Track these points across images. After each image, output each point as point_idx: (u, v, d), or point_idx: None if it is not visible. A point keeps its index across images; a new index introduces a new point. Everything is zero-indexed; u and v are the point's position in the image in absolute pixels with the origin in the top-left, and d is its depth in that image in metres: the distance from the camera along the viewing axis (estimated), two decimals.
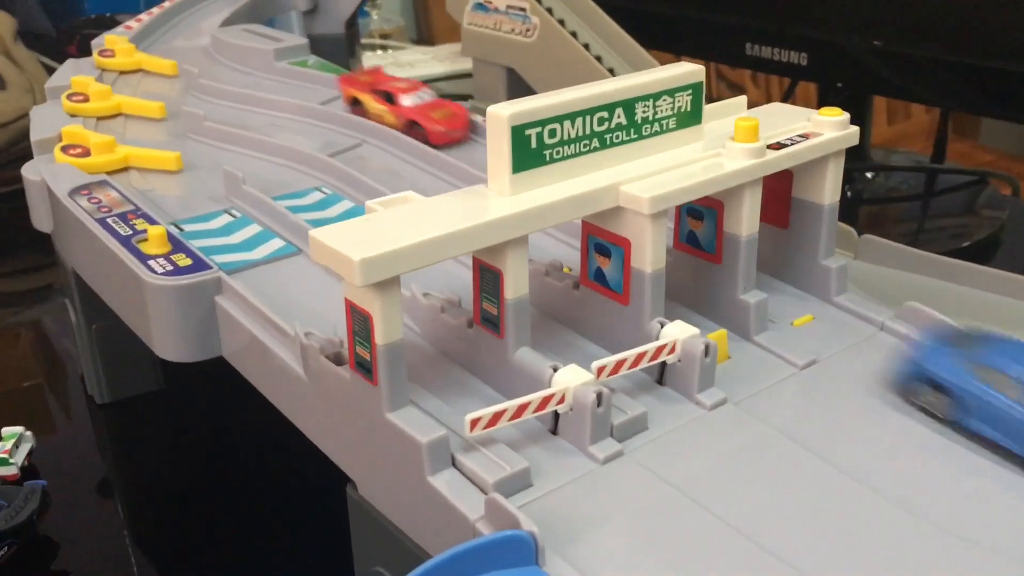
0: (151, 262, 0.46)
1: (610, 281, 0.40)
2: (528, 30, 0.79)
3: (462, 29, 0.85)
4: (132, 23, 0.86)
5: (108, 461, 0.57)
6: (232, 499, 0.53)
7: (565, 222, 0.38)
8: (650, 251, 0.38)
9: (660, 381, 0.39)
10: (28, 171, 0.57)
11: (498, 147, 0.36)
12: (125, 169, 0.59)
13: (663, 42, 0.86)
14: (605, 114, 0.38)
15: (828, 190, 0.44)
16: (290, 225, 0.51)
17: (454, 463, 0.34)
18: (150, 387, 0.60)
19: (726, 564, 0.31)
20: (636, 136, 0.40)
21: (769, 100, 0.95)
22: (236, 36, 0.82)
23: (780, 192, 0.45)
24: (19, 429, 0.52)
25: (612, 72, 0.75)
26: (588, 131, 0.38)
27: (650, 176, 0.39)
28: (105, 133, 0.60)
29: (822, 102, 0.90)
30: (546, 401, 0.35)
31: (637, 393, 0.39)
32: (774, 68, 0.80)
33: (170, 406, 0.60)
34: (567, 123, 0.37)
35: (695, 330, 0.39)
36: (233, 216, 0.53)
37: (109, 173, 0.57)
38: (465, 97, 0.89)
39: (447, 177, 0.58)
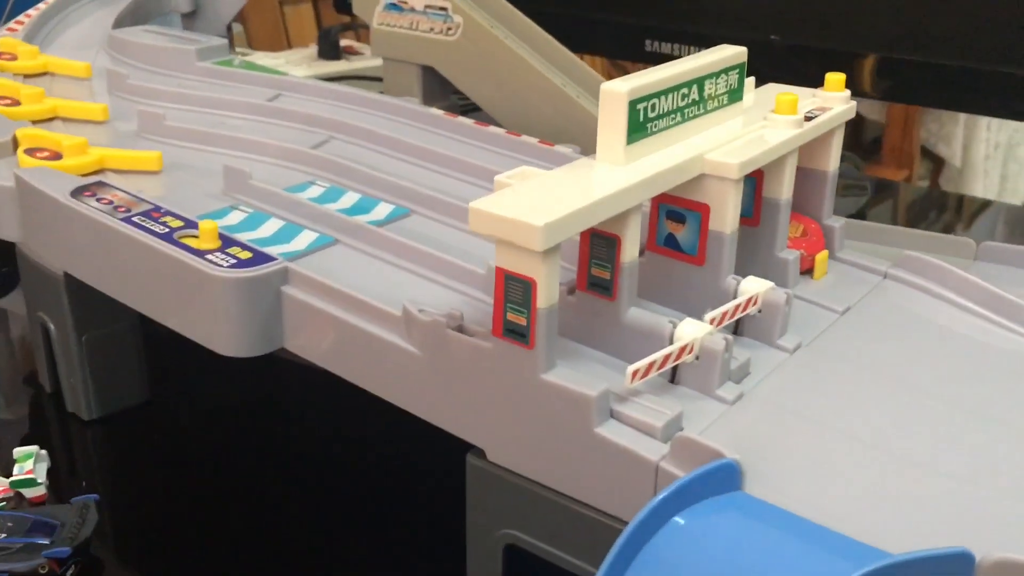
0: (209, 257, 0.45)
1: (683, 245, 0.44)
2: (449, 29, 0.81)
3: (372, 29, 0.85)
4: (13, 26, 0.80)
5: (107, 480, 0.54)
6: (231, 511, 0.52)
7: (669, 189, 0.41)
8: (731, 214, 0.42)
9: (736, 332, 0.43)
10: None
11: (614, 120, 0.39)
12: (99, 171, 0.56)
13: (564, 43, 0.91)
14: (687, 90, 0.42)
15: (833, 158, 0.50)
16: (319, 216, 0.51)
17: (612, 415, 0.37)
18: (138, 399, 0.57)
19: (872, 472, 0.35)
20: (703, 111, 0.44)
21: None
22: (143, 37, 0.78)
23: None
24: (32, 448, 0.49)
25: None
26: (675, 106, 0.42)
27: (723, 146, 0.43)
28: None
29: None
30: (683, 351, 0.38)
31: None
32: None
33: (159, 418, 0.58)
34: (663, 98, 0.41)
35: (770, 283, 0.43)
36: (245, 212, 0.52)
37: (83, 176, 0.55)
38: None
39: (430, 166, 0.60)
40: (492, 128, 0.65)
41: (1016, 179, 1.91)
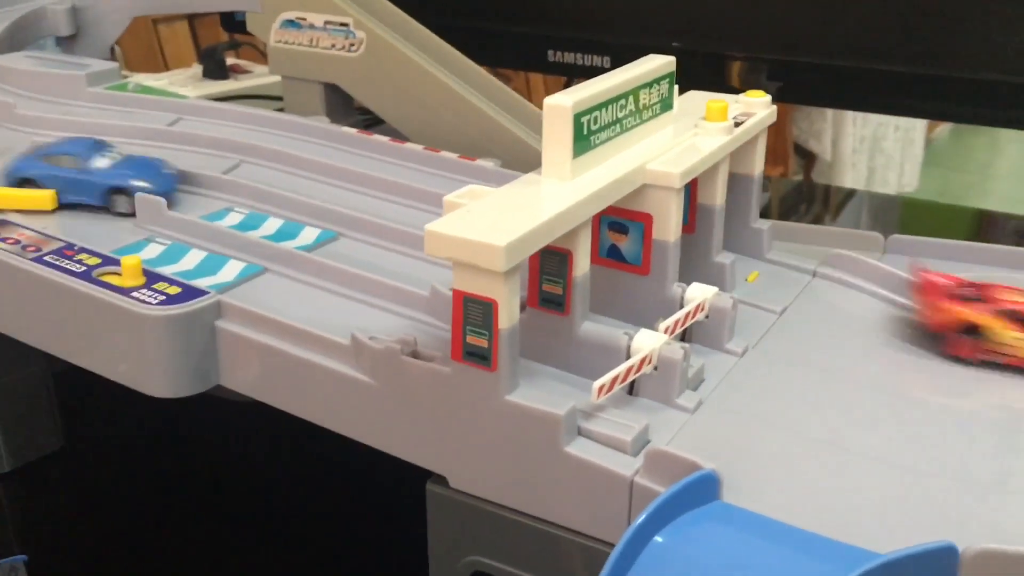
0: (136, 295, 0.42)
1: (627, 256, 0.44)
2: (352, 45, 0.79)
3: (269, 48, 0.83)
4: None
5: (30, 538, 0.51)
6: (168, 554, 0.49)
7: (614, 202, 0.41)
8: (673, 222, 0.42)
9: (683, 339, 0.44)
10: None
11: (559, 135, 0.38)
12: None
13: (467, 56, 0.90)
14: (624, 101, 0.42)
15: (758, 162, 0.51)
16: (243, 244, 0.49)
17: (579, 432, 0.36)
18: (53, 446, 0.54)
19: (841, 472, 0.36)
20: (639, 121, 0.44)
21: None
22: (25, 63, 0.74)
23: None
24: None
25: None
26: (614, 117, 0.41)
27: (660, 156, 0.43)
28: None
29: None
30: (642, 363, 0.38)
31: None
32: (577, 72, 0.86)
33: (76, 465, 0.54)
34: (603, 110, 0.40)
35: (714, 288, 0.43)
36: (163, 244, 0.50)
37: None
38: None
39: (352, 187, 0.58)
40: (409, 145, 0.64)
41: (884, 170, 2.01)
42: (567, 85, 1.07)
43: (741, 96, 0.51)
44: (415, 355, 0.38)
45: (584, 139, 0.39)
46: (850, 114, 1.79)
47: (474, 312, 0.35)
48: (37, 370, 0.52)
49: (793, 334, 0.45)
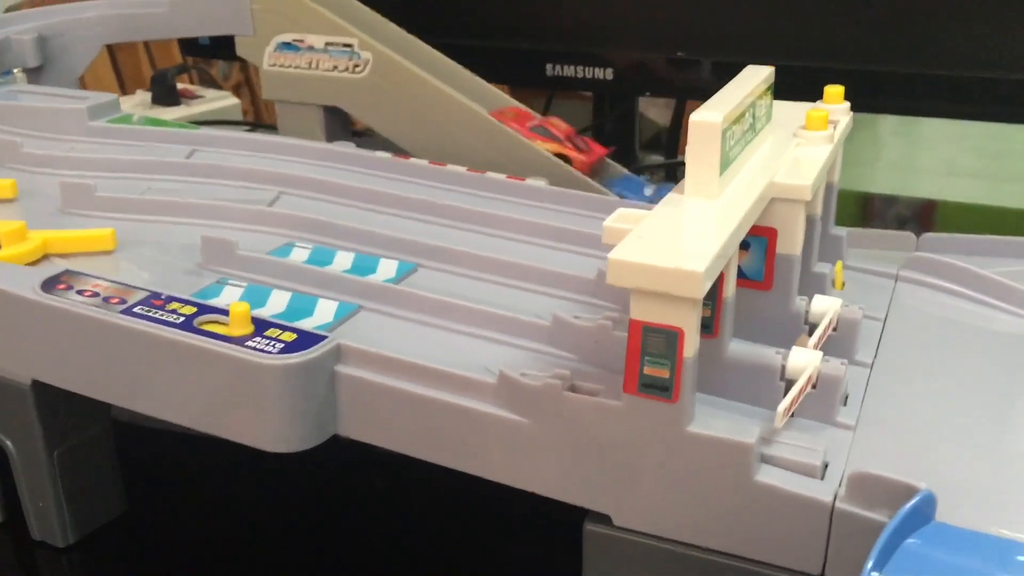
0: (250, 344, 0.39)
1: (748, 272, 0.43)
2: (356, 66, 0.76)
3: (262, 72, 0.80)
4: None
5: None
6: None
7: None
8: (799, 235, 0.42)
9: None
10: None
11: (707, 153, 0.37)
12: (42, 259, 0.48)
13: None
14: (747, 114, 0.41)
15: (838, 169, 0.51)
16: (328, 282, 0.46)
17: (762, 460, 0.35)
18: (115, 513, 0.50)
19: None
20: (753, 135, 0.43)
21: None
22: (13, 97, 0.69)
23: None
24: None
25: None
26: (742, 132, 0.40)
27: (778, 168, 0.42)
28: None
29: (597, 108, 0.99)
30: (808, 383, 0.37)
31: None
32: (578, 85, 0.86)
33: (141, 531, 0.50)
34: (737, 125, 0.39)
35: (838, 300, 0.43)
36: (239, 286, 0.47)
37: (28, 265, 0.47)
38: None
39: (409, 214, 0.56)
40: (451, 167, 0.61)
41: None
42: (549, 100, 1.06)
43: (819, 103, 0.51)
44: (573, 389, 0.37)
45: (726, 156, 0.38)
46: None
47: (655, 342, 0.34)
48: (101, 432, 0.48)
49: (906, 341, 0.45)
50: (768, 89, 0.45)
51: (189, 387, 0.40)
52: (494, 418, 0.38)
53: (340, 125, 0.81)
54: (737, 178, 0.40)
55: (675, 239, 0.34)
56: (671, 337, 0.33)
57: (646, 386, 0.34)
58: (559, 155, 0.68)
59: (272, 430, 0.39)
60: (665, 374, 0.34)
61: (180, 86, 1.18)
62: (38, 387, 0.45)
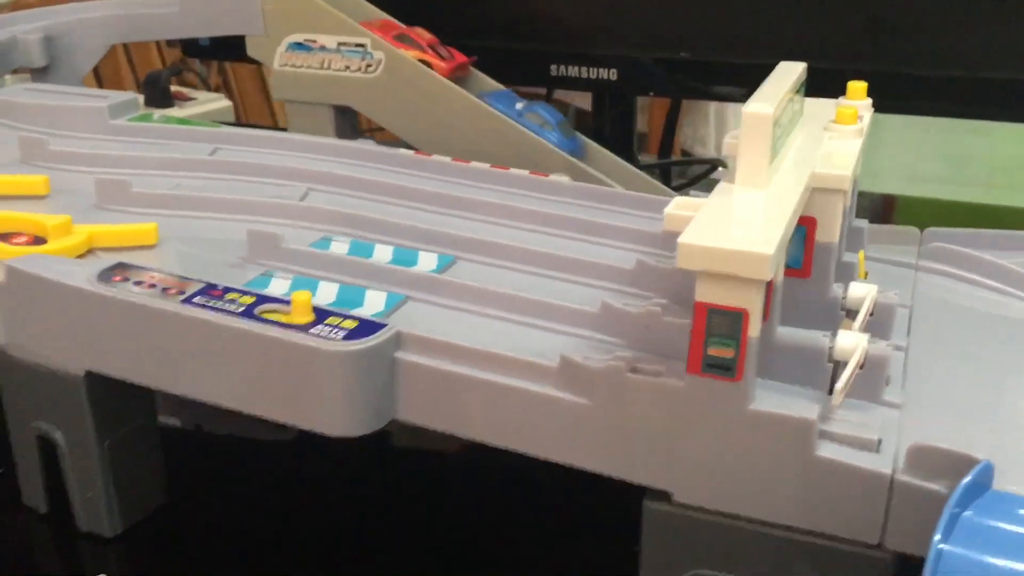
0: (314, 331, 0.40)
1: (788, 260, 0.44)
2: (369, 66, 0.77)
3: (274, 71, 0.80)
4: None
5: None
6: None
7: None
8: (838, 224, 0.43)
9: None
10: None
11: (758, 143, 0.39)
12: (88, 253, 0.49)
13: None
14: (788, 107, 0.43)
15: (859, 162, 0.53)
16: (373, 273, 0.47)
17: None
18: (158, 503, 0.50)
19: None
20: (791, 128, 0.44)
21: None
22: (33, 96, 0.69)
23: None
24: None
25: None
26: (783, 124, 0.42)
27: (815, 160, 0.44)
28: None
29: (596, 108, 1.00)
30: (858, 364, 0.38)
31: None
32: (582, 85, 0.87)
33: (185, 520, 0.51)
34: (782, 117, 0.41)
35: (874, 286, 0.44)
36: (286, 279, 0.47)
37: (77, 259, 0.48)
38: None
39: (440, 209, 0.57)
40: (475, 164, 0.62)
41: None
42: (548, 97, 1.07)
43: (842, 99, 0.52)
44: (634, 371, 0.38)
45: (774, 147, 0.40)
46: (732, 119, 1.86)
47: (720, 323, 0.35)
48: (146, 422, 0.49)
49: (934, 326, 0.47)
50: (802, 85, 0.46)
51: (252, 374, 0.41)
52: (556, 400, 0.39)
53: (349, 125, 0.82)
54: (781, 169, 0.42)
55: (738, 224, 0.36)
56: (736, 318, 0.35)
57: (710, 366, 0.36)
58: (422, 61, 0.74)
59: (335, 415, 0.40)
60: (729, 354, 0.35)
61: (172, 88, 1.18)
62: (91, 378, 0.45)
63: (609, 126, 1.00)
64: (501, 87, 0.78)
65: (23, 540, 0.50)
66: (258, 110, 1.73)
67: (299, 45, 0.80)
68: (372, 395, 0.40)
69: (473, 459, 0.56)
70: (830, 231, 0.43)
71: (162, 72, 1.19)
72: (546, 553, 0.49)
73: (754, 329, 0.35)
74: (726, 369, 0.36)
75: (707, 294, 0.35)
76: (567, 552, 0.49)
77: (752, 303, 0.34)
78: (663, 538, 0.39)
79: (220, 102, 1.25)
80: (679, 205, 0.38)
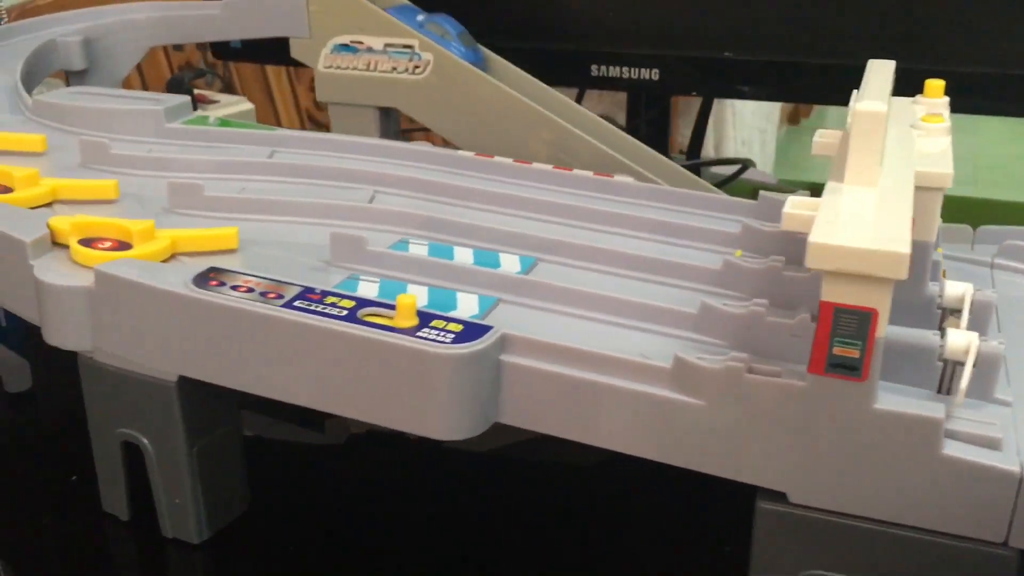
0: (421, 335, 0.40)
1: None
2: (416, 67, 0.77)
3: (316, 73, 0.80)
4: None
5: None
6: None
7: None
8: (936, 222, 0.43)
9: None
10: (49, 276, 0.45)
11: (870, 142, 0.39)
12: (171, 258, 0.48)
13: None
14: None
15: None
16: (464, 276, 0.47)
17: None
18: (242, 507, 0.50)
19: None
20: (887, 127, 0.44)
21: None
22: (86, 100, 0.69)
23: None
24: None
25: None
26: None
27: (915, 157, 0.44)
28: None
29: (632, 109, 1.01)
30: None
31: None
32: (623, 85, 0.87)
33: (268, 524, 0.50)
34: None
35: (969, 284, 0.44)
36: (372, 281, 0.47)
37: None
38: None
39: (511, 211, 0.57)
40: (537, 165, 0.62)
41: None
42: (580, 96, 1.07)
43: (920, 97, 0.52)
44: (750, 372, 0.38)
45: (883, 145, 0.40)
46: (730, 118, 1.87)
47: (847, 323, 0.35)
48: (233, 428, 0.48)
49: (1021, 324, 0.47)
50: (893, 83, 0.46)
51: (356, 378, 0.41)
52: (669, 402, 0.39)
53: (393, 126, 0.82)
54: (886, 167, 0.41)
55: (864, 223, 0.35)
56: (864, 318, 0.35)
57: (835, 366, 0.36)
58: None
59: (441, 418, 0.40)
60: (855, 354, 0.35)
61: (197, 91, 1.17)
62: (183, 384, 0.45)
63: (645, 127, 1.00)
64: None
65: (104, 548, 0.50)
66: (262, 110, 1.72)
67: (344, 47, 0.79)
68: (479, 398, 0.40)
69: (563, 462, 0.56)
70: (928, 229, 0.43)
71: (184, 75, 1.18)
72: (646, 557, 0.49)
73: (882, 329, 0.35)
74: (851, 369, 0.35)
75: (835, 294, 0.35)
76: (664, 556, 0.49)
77: (882, 303, 0.34)
78: (777, 538, 0.39)
79: (243, 104, 1.24)
80: (797, 204, 0.38)
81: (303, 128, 1.56)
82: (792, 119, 2.26)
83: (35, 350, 0.69)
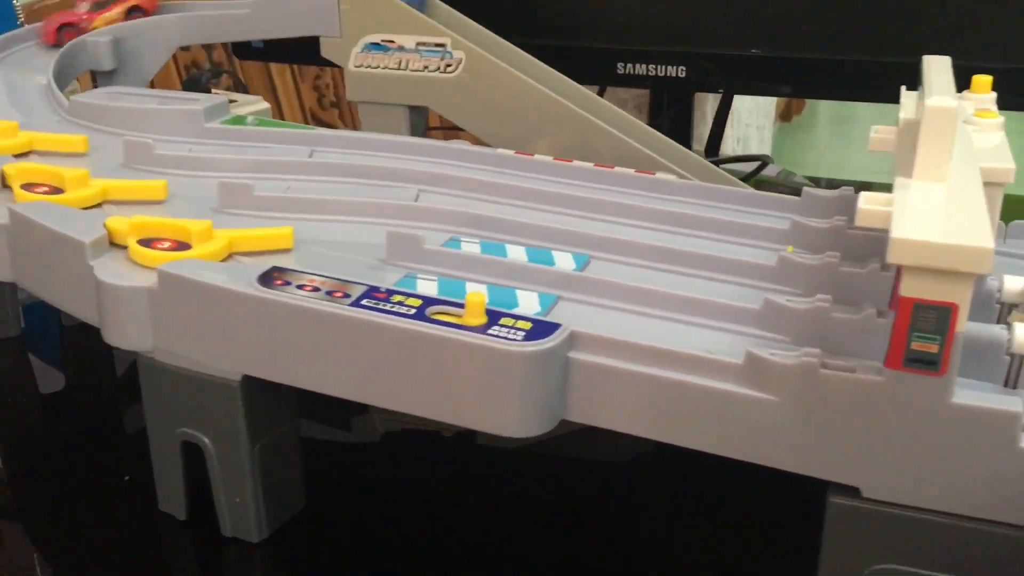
0: (492, 333, 0.40)
1: None
2: (448, 65, 0.77)
3: (347, 72, 0.80)
4: None
5: None
6: None
7: None
8: (997, 217, 0.44)
9: None
10: (110, 276, 0.45)
11: (942, 137, 0.39)
12: (228, 258, 0.48)
13: None
14: None
15: None
16: (518, 274, 0.47)
17: None
18: (299, 505, 0.50)
19: None
20: None
21: None
22: (124, 100, 0.69)
23: None
24: None
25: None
26: None
27: (976, 153, 0.44)
28: None
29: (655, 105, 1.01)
30: None
31: None
32: (649, 83, 0.87)
33: (322, 522, 0.50)
34: None
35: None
36: (430, 280, 0.47)
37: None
38: None
39: (558, 209, 0.57)
40: (578, 163, 0.62)
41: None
42: (601, 93, 1.07)
43: (966, 92, 0.53)
44: (824, 367, 0.38)
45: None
46: (732, 116, 1.87)
47: (926, 317, 0.35)
48: (291, 426, 0.48)
49: None
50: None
51: (425, 376, 0.41)
52: (740, 397, 0.39)
53: (422, 124, 0.82)
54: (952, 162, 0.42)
55: (943, 219, 0.36)
56: (944, 313, 0.35)
57: (913, 360, 0.36)
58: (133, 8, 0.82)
59: (513, 416, 0.40)
60: (934, 349, 0.35)
61: (213, 91, 1.17)
62: (246, 383, 0.45)
63: (668, 123, 1.00)
64: None
65: (161, 547, 0.50)
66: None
67: (376, 45, 0.79)
68: (548, 396, 0.40)
69: (626, 459, 0.56)
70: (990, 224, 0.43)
71: (201, 74, 1.18)
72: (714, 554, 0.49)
73: (962, 324, 0.35)
74: (930, 363, 0.36)
75: (915, 289, 0.35)
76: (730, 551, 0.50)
77: (962, 297, 0.34)
78: (848, 533, 0.39)
79: (260, 104, 1.24)
80: (871, 200, 0.38)
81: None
82: (784, 116, 2.27)
83: (65, 351, 0.70)
